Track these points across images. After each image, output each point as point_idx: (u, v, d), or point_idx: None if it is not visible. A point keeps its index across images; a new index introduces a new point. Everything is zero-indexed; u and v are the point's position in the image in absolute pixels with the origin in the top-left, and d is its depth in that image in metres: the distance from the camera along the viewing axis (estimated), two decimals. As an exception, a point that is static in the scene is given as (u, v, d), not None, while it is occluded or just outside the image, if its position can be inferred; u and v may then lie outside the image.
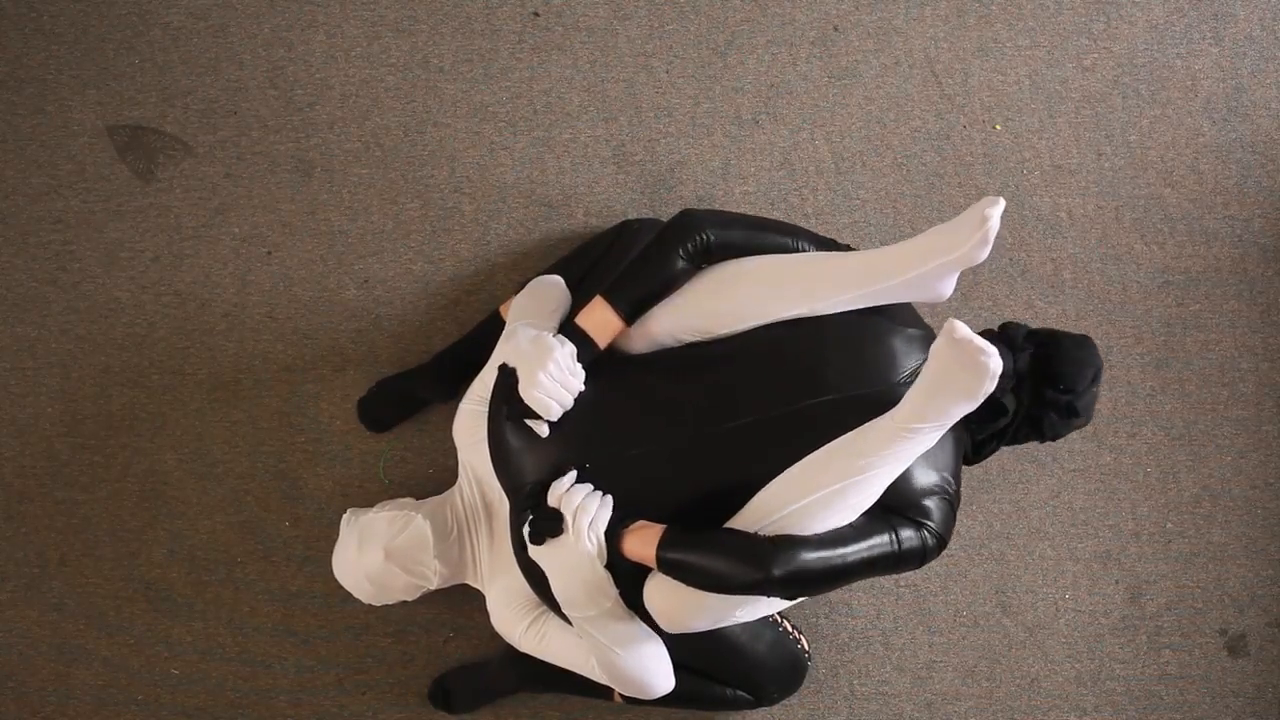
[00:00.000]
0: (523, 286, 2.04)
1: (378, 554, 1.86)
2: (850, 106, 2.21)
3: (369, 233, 2.17)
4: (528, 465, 1.68)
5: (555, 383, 1.63)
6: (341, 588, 2.12)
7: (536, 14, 2.20)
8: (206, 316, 2.16)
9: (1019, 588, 2.18)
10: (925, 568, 2.16)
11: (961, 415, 1.50)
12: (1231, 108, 2.24)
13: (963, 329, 1.42)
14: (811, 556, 1.49)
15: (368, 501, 2.15)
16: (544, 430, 1.66)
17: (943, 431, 1.53)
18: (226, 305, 2.16)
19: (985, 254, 1.57)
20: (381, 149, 2.18)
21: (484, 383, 1.85)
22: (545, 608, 1.87)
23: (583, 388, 1.65)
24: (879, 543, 1.53)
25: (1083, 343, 1.63)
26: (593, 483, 1.64)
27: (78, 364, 2.16)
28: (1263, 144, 2.24)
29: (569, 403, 1.65)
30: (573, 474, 1.63)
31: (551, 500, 1.62)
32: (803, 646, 2.02)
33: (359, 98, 2.18)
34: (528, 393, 1.62)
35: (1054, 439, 1.66)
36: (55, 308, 2.16)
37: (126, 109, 2.17)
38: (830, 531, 1.52)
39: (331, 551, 2.13)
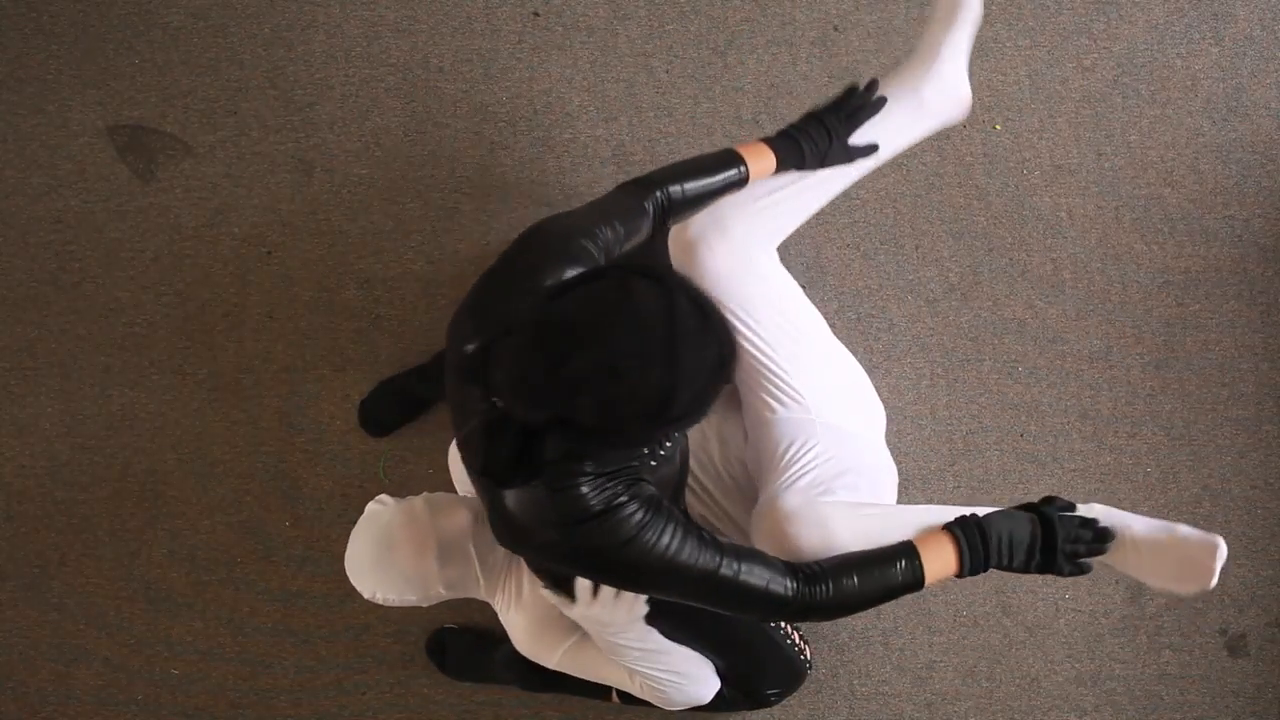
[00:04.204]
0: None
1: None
2: (850, 106, 2.21)
3: (369, 233, 2.17)
4: None
5: None
6: (341, 588, 2.12)
7: (536, 14, 2.20)
8: (206, 316, 2.16)
9: (1019, 588, 2.18)
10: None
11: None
12: (1231, 108, 2.24)
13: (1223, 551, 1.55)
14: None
15: (368, 502, 2.14)
16: None
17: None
18: (226, 305, 2.17)
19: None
20: (381, 149, 2.18)
21: None
22: (582, 631, 1.88)
23: None
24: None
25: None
26: None
27: (78, 364, 2.16)
28: (1263, 144, 2.24)
29: None
30: None
31: None
32: (803, 652, 2.01)
33: (359, 98, 2.18)
34: None
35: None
36: (55, 308, 2.16)
37: (126, 109, 2.18)
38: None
39: (324, 549, 2.13)
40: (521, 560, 1.85)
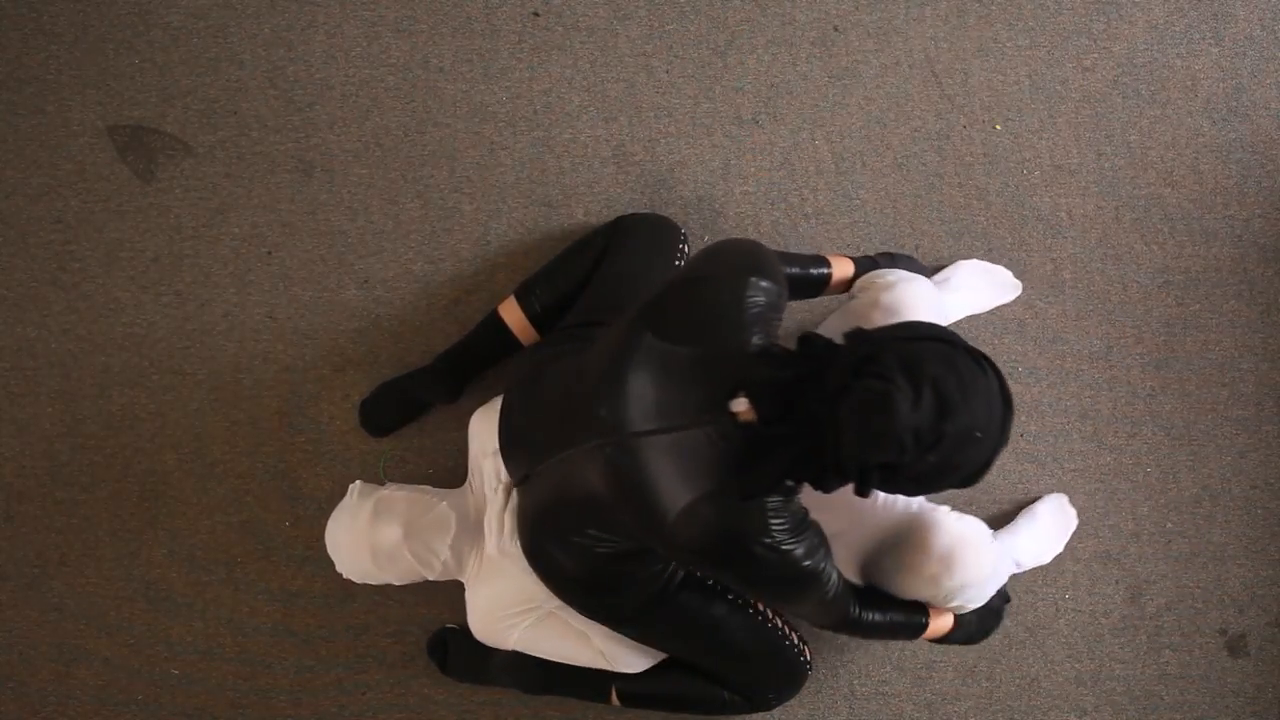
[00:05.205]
0: (522, 286, 2.04)
1: (396, 531, 1.87)
2: (850, 106, 2.21)
3: (369, 233, 2.17)
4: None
5: None
6: (341, 588, 2.12)
7: (536, 14, 2.20)
8: (206, 316, 2.16)
9: (1019, 588, 2.18)
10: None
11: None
12: (1231, 108, 2.24)
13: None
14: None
15: (368, 501, 2.15)
16: None
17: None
18: (226, 305, 2.17)
19: None
20: (381, 149, 2.18)
21: None
22: (538, 609, 1.90)
23: None
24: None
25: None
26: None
27: (78, 364, 2.16)
28: (1263, 144, 2.24)
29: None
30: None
31: None
32: (802, 653, 2.01)
33: (359, 98, 2.18)
34: None
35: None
36: (55, 308, 2.16)
37: (126, 109, 2.18)
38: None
39: (324, 549, 2.13)
40: (478, 551, 1.93)
